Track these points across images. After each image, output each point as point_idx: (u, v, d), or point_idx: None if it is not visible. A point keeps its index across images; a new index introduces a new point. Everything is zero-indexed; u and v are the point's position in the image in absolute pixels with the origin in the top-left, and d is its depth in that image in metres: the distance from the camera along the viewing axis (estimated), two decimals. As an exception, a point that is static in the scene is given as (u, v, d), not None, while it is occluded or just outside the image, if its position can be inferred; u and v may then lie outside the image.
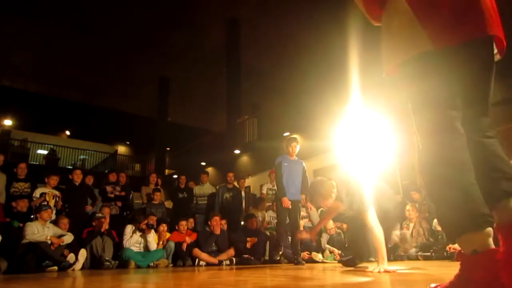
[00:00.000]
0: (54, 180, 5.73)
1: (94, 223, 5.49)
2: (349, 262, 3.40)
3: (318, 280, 2.24)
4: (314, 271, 2.98)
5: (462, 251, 1.07)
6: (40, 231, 4.70)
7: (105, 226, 5.43)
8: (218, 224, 5.81)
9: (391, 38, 1.26)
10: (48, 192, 5.55)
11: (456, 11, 1.13)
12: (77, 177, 6.06)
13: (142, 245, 5.53)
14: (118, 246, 5.46)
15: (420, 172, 1.19)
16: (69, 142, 18.38)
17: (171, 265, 5.55)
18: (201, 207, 6.98)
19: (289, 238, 5.21)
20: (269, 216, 6.69)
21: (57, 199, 5.62)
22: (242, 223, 6.58)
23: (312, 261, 5.35)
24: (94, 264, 5.14)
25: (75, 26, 11.34)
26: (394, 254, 5.23)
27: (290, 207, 4.84)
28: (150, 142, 16.29)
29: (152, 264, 5.33)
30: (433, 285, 1.21)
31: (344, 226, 5.73)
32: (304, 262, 4.95)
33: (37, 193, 5.53)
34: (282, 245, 5.17)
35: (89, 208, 6.11)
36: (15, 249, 4.48)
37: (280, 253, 5.28)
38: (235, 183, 7.09)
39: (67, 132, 21.45)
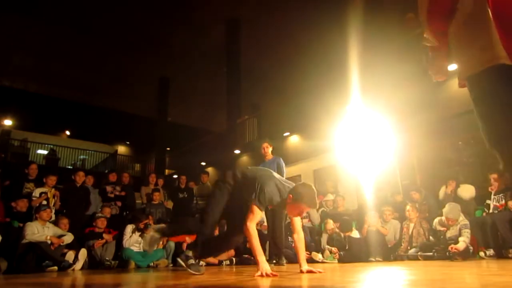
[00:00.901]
0: (52, 180, 5.74)
1: (94, 223, 5.50)
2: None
3: (318, 280, 2.24)
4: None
5: None
6: (40, 231, 4.70)
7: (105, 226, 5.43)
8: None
9: (458, 48, 1.15)
10: (48, 190, 5.56)
11: None
12: (79, 178, 6.07)
13: (142, 245, 5.53)
14: (118, 246, 5.47)
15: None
16: (69, 142, 18.37)
17: (171, 265, 5.55)
18: (201, 207, 6.98)
19: (289, 238, 5.20)
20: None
21: (56, 198, 5.63)
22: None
23: (312, 261, 5.34)
24: (94, 264, 5.15)
25: (75, 26, 11.33)
26: (394, 254, 5.23)
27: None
28: (150, 142, 16.27)
29: (152, 264, 5.33)
30: None
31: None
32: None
33: (36, 192, 5.54)
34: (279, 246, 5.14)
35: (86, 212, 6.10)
36: (15, 249, 4.48)
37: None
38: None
39: (67, 132, 21.46)
